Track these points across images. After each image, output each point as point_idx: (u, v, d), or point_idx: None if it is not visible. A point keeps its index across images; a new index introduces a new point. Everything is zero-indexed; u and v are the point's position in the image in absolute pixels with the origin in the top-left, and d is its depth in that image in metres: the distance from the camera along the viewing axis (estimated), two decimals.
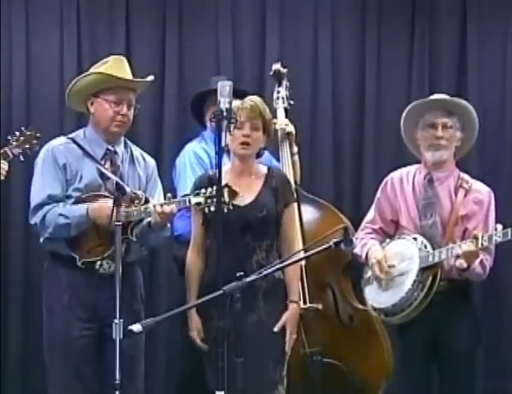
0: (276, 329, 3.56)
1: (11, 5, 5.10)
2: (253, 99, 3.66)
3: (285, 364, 3.61)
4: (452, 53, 5.32)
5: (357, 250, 3.87)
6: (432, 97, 3.95)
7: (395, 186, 3.88)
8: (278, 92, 4.57)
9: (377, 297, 3.78)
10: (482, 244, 3.49)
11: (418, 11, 5.31)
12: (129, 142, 3.80)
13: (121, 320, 3.16)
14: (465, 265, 3.54)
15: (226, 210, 3.26)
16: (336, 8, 5.31)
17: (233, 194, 3.33)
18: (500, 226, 3.49)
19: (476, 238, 3.50)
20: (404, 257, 3.70)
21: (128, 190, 3.39)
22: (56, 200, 3.56)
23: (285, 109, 4.55)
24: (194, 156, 4.27)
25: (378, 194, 3.94)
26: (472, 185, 3.79)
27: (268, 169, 3.74)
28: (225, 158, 3.97)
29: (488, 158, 5.19)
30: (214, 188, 3.31)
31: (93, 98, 3.66)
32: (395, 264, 3.70)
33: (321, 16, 5.30)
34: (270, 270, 3.08)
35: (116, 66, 3.69)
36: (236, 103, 3.60)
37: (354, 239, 3.11)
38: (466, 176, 3.85)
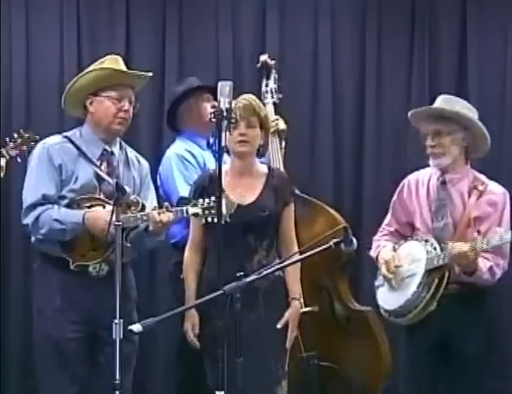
0: (279, 326, 3.58)
1: (11, 3, 5.10)
2: (246, 98, 3.65)
3: (286, 359, 3.64)
4: (452, 52, 5.32)
5: (372, 253, 3.91)
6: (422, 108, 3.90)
7: (411, 189, 3.87)
8: (266, 85, 4.47)
9: (387, 299, 3.79)
10: (480, 247, 3.49)
11: (418, 9, 5.31)
12: (124, 144, 3.77)
13: (121, 320, 3.14)
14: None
15: (223, 222, 3.24)
16: (335, 7, 5.31)
17: (230, 206, 3.37)
18: (500, 229, 3.50)
19: (474, 240, 3.50)
20: (414, 258, 3.70)
21: (128, 190, 3.37)
22: (50, 201, 3.51)
23: (274, 103, 4.48)
24: (178, 158, 4.21)
25: (395, 197, 3.94)
26: (487, 187, 3.74)
27: (269, 168, 3.75)
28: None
29: (488, 158, 5.17)
30: (212, 199, 3.34)
31: (92, 97, 3.63)
32: (403, 264, 3.71)
33: (321, 15, 5.30)
34: (270, 270, 3.08)
35: (114, 64, 3.68)
36: None
37: (353, 239, 3.09)
38: (482, 177, 3.81)
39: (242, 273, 2.86)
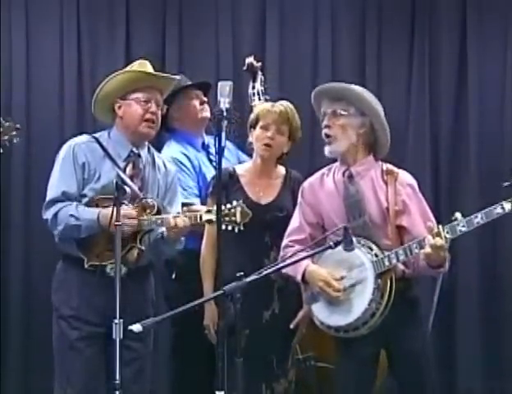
0: (292, 326, 3.68)
1: (11, 7, 5.11)
2: (284, 104, 3.77)
3: (289, 357, 3.73)
4: (452, 52, 5.32)
5: (290, 272, 3.45)
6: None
7: (315, 191, 3.57)
8: (253, 87, 4.47)
9: (333, 314, 3.38)
10: (445, 237, 3.17)
11: (419, 9, 5.32)
12: (152, 148, 3.78)
13: (121, 320, 3.12)
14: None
15: (236, 230, 3.32)
16: (335, 8, 5.32)
17: (245, 215, 3.37)
18: (459, 214, 3.20)
19: (435, 231, 3.18)
20: (352, 265, 3.34)
21: (128, 190, 3.36)
22: (70, 198, 3.53)
23: None
24: (174, 162, 4.04)
25: (299, 200, 3.59)
26: (399, 176, 3.46)
27: (286, 171, 3.86)
28: (228, 155, 3.97)
29: (488, 162, 5.17)
30: (228, 206, 3.35)
31: (120, 100, 3.64)
32: (345, 274, 3.35)
33: (321, 16, 5.31)
34: (270, 270, 3.07)
35: (143, 67, 3.71)
36: (266, 105, 3.78)
37: (353, 239, 3.07)
38: (390, 166, 3.51)
39: (242, 273, 2.86)
